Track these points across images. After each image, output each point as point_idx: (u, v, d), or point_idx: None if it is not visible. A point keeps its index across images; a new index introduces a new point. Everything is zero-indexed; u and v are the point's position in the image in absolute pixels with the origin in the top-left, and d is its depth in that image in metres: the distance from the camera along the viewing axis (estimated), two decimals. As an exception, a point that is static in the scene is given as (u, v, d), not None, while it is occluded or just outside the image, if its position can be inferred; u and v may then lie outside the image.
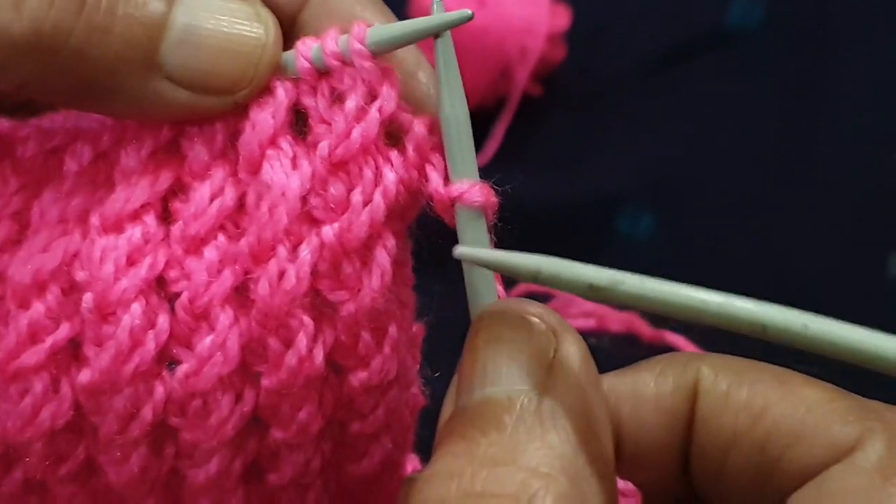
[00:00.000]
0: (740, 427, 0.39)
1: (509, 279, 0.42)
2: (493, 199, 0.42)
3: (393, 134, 0.42)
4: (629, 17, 1.10)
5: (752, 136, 1.04)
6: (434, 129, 0.42)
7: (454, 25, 0.40)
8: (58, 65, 0.39)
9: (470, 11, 0.40)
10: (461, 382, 0.39)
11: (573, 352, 0.39)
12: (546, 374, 0.38)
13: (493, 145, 1.02)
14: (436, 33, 0.41)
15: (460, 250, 0.40)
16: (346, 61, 0.41)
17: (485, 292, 0.42)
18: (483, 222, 0.42)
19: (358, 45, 0.41)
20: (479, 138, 1.02)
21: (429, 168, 0.42)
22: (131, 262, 0.41)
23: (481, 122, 1.03)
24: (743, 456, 0.40)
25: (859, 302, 0.91)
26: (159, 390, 0.41)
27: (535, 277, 0.38)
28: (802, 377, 0.40)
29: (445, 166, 0.42)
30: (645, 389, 0.42)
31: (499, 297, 0.43)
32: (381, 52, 0.41)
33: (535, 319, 0.40)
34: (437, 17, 0.40)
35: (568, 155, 1.05)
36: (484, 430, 0.36)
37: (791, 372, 0.40)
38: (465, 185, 0.42)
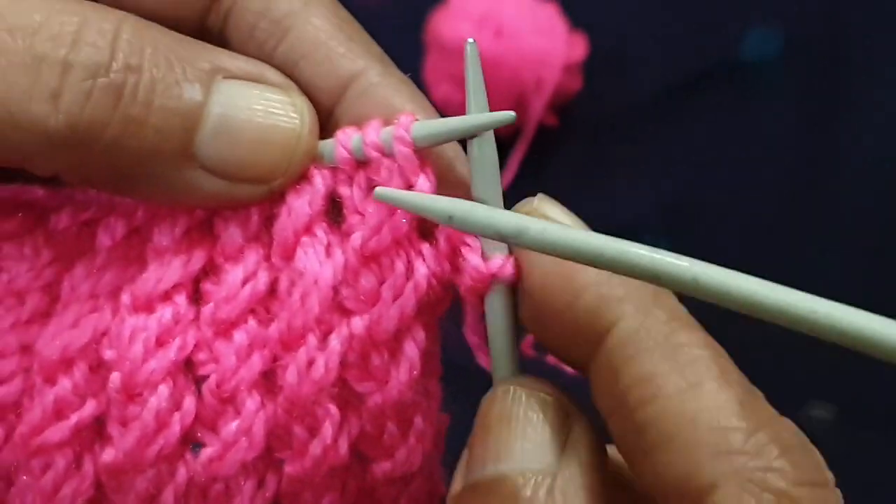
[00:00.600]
0: (628, 400, 0.37)
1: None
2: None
3: (426, 227, 0.42)
4: (645, 47, 1.10)
5: (768, 167, 1.03)
6: None
7: (498, 125, 0.40)
8: (92, 157, 0.39)
9: (513, 114, 0.40)
10: (473, 458, 0.39)
11: (586, 434, 0.40)
12: (560, 454, 0.38)
13: (508, 175, 1.02)
14: (481, 131, 0.40)
15: (379, 190, 0.40)
16: (385, 153, 0.41)
17: (501, 360, 0.43)
18: (508, 298, 0.42)
19: (403, 134, 0.41)
20: (495, 167, 1.03)
21: (465, 250, 0.42)
22: (160, 343, 0.41)
23: (497, 152, 1.02)
24: (621, 428, 0.38)
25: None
26: (181, 472, 0.41)
27: (449, 221, 0.40)
28: (722, 374, 0.37)
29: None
30: (572, 284, 0.39)
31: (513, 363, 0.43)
32: (424, 147, 0.41)
33: (550, 398, 0.40)
34: (483, 116, 0.40)
35: (583, 185, 1.05)
36: None
37: (717, 365, 0.37)
38: (499, 261, 0.42)
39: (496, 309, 0.42)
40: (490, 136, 0.41)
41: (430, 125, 0.41)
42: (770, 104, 1.06)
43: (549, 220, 0.41)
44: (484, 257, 0.42)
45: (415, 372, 0.42)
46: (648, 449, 0.36)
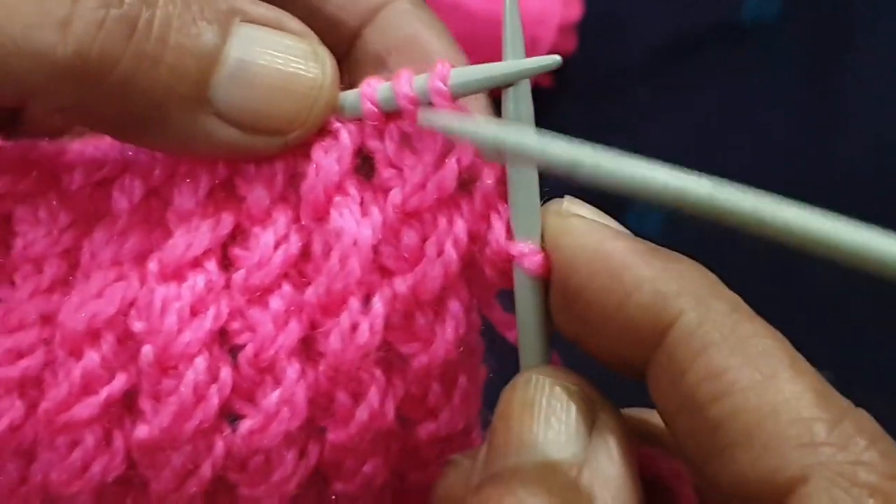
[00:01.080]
0: (698, 398, 0.35)
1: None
2: (549, 271, 0.39)
3: (462, 181, 0.40)
4: (642, 8, 1.08)
5: (766, 131, 1.03)
6: (501, 179, 0.40)
7: (542, 71, 0.38)
8: (101, 93, 0.36)
9: (558, 58, 0.38)
10: (494, 448, 0.38)
11: (612, 423, 0.38)
12: (586, 444, 0.37)
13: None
14: (522, 78, 0.38)
15: (423, 115, 0.39)
16: (420, 103, 0.39)
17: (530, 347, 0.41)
18: (539, 287, 0.40)
19: (439, 86, 0.39)
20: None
21: (493, 217, 0.40)
22: (195, 312, 0.39)
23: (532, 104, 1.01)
24: (691, 427, 0.36)
25: (875, 305, 0.90)
26: (219, 446, 0.39)
27: (497, 150, 0.38)
28: (794, 363, 0.35)
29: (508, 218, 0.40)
30: (623, 282, 0.37)
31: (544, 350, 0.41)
32: (461, 96, 0.39)
33: (574, 387, 0.38)
34: (525, 61, 0.38)
35: (578, 147, 1.04)
36: (520, 499, 0.35)
37: (787, 354, 0.36)
38: (526, 248, 0.39)
39: (526, 296, 0.40)
40: (527, 87, 0.39)
41: (468, 72, 0.39)
42: (769, 66, 1.05)
43: (579, 218, 0.39)
44: (513, 236, 0.40)
45: (461, 330, 0.40)
46: (726, 446, 0.34)
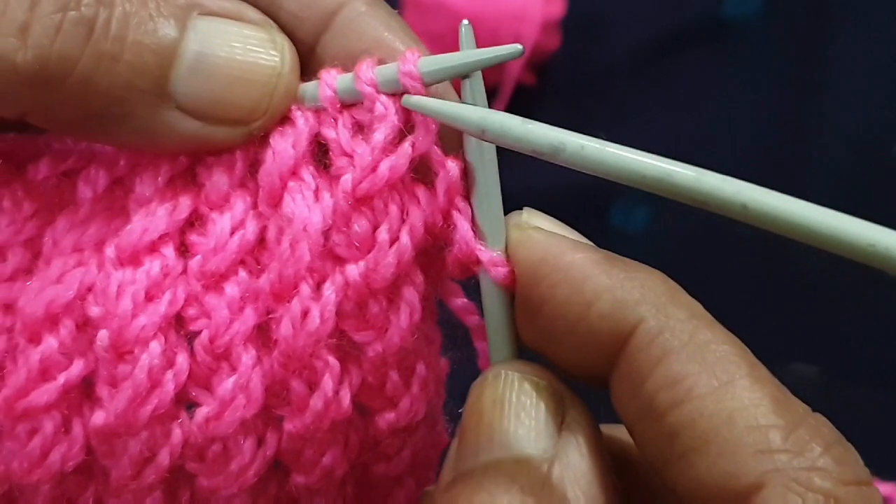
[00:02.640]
0: (657, 405, 0.36)
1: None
2: (513, 283, 0.40)
3: (419, 168, 0.40)
4: (625, 5, 1.09)
5: (747, 127, 1.03)
6: (463, 174, 0.40)
7: (506, 59, 0.38)
8: (63, 94, 0.37)
9: (521, 46, 0.38)
10: (464, 445, 0.38)
11: (581, 418, 0.38)
12: (556, 439, 0.37)
13: (485, 136, 1.00)
14: (488, 66, 0.39)
15: (408, 98, 0.39)
16: (381, 90, 0.39)
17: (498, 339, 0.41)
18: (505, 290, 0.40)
19: (411, 69, 0.39)
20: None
21: (457, 216, 0.40)
22: (150, 297, 0.39)
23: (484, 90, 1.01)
24: (651, 433, 0.36)
25: (855, 299, 0.90)
26: (177, 434, 0.39)
27: (481, 134, 0.38)
28: (752, 370, 0.36)
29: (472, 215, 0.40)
30: (583, 293, 0.38)
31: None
32: (431, 83, 0.39)
33: (543, 382, 0.38)
34: (490, 49, 0.38)
35: (561, 145, 1.04)
36: (492, 496, 0.35)
37: (745, 361, 0.36)
38: (495, 257, 0.40)
39: (493, 298, 0.40)
40: (479, 73, 0.39)
41: (439, 60, 0.39)
42: (751, 62, 1.05)
43: (539, 231, 0.39)
44: (479, 241, 0.40)
45: (416, 317, 0.40)
46: (684, 452, 0.35)
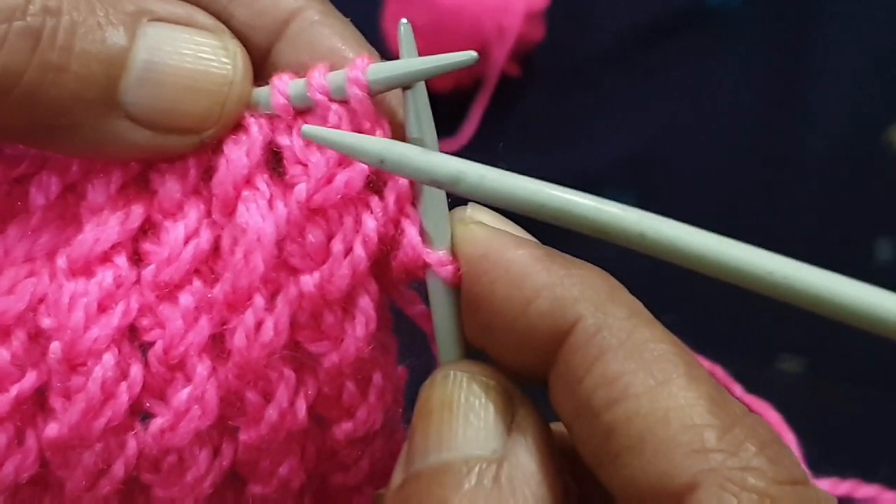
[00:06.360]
0: (594, 403, 0.35)
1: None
2: (460, 280, 0.39)
3: (372, 181, 0.40)
4: (609, -6, 1.08)
5: (735, 115, 1.02)
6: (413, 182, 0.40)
7: (461, 66, 0.38)
8: (8, 106, 0.36)
9: (475, 54, 0.38)
10: (414, 447, 0.37)
11: (530, 418, 0.38)
12: (505, 439, 0.37)
13: (470, 127, 0.99)
14: (440, 74, 0.38)
15: (306, 128, 0.38)
16: (332, 98, 0.39)
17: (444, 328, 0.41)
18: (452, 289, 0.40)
19: (358, 76, 0.38)
20: (456, 120, 1.00)
21: (405, 221, 0.40)
22: (102, 308, 0.39)
23: (458, 103, 1.00)
24: (587, 432, 0.36)
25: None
26: (131, 445, 0.39)
27: (381, 164, 0.37)
28: (689, 369, 0.35)
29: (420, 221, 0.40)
30: (522, 289, 0.37)
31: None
32: (378, 91, 0.39)
33: (492, 382, 0.38)
34: (444, 56, 0.38)
35: (547, 136, 1.03)
36: (442, 497, 0.35)
37: (682, 360, 0.35)
38: (441, 257, 0.39)
39: (440, 293, 0.40)
40: (422, 85, 0.39)
41: (388, 67, 0.39)
42: (735, 51, 1.04)
43: (482, 226, 0.39)
44: (426, 244, 0.40)
45: (371, 327, 0.39)
46: (619, 452, 0.34)
